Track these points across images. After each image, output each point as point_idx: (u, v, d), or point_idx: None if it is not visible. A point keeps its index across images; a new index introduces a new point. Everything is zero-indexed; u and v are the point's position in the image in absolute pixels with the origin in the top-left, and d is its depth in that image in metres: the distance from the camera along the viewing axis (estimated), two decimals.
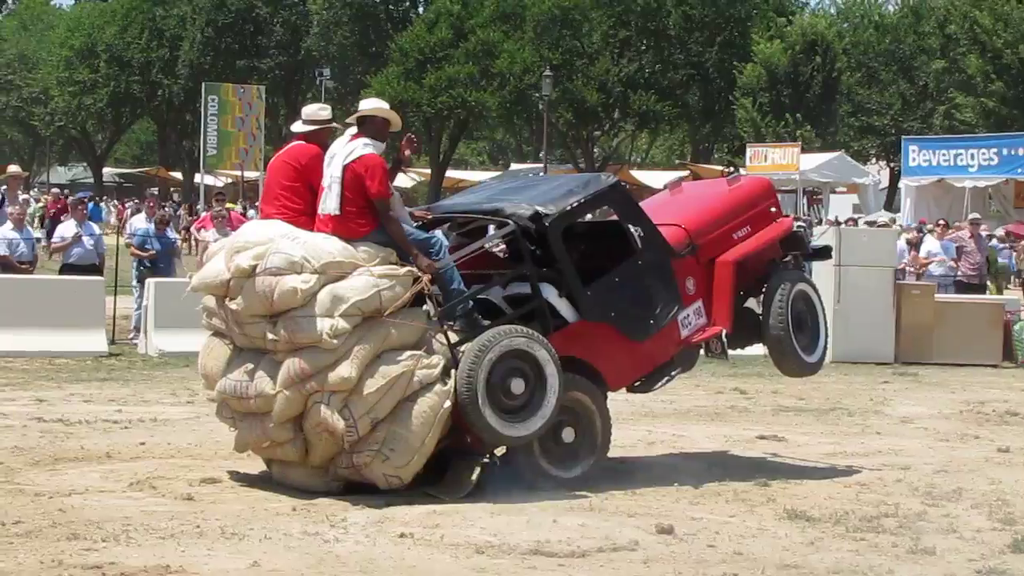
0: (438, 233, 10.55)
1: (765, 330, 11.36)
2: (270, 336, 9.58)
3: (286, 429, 9.63)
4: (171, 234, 21.47)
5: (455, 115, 62.34)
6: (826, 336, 11.79)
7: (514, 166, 69.60)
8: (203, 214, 27.72)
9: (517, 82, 59.59)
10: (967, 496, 10.33)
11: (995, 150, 38.00)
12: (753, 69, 55.11)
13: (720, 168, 57.38)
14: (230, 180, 59.80)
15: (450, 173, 68.16)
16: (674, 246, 10.95)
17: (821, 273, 18.27)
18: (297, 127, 10.67)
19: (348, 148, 10.03)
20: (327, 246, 9.73)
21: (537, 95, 57.72)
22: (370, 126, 10.21)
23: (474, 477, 9.78)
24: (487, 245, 10.77)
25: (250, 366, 9.77)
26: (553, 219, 10.19)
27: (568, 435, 10.18)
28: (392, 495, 9.51)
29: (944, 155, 39.22)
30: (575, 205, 10.45)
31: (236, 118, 52.38)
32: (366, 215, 9.90)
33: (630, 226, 10.74)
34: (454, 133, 66.86)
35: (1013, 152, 37.38)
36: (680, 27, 60.87)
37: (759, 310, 11.55)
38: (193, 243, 26.93)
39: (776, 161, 43.50)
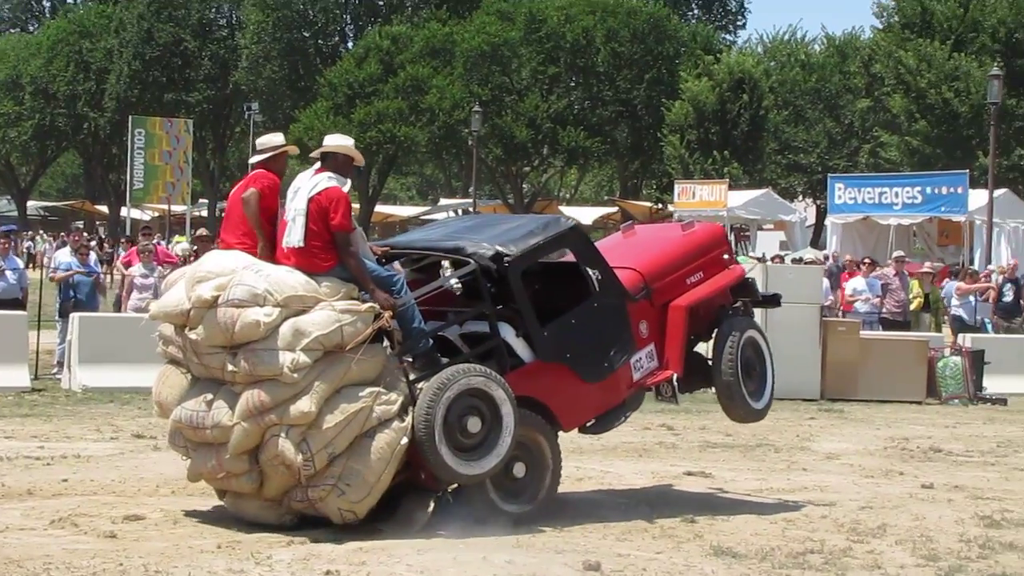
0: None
1: (715, 375, 11.50)
2: (230, 367, 9.52)
3: (242, 461, 9.57)
4: (94, 265, 21.22)
5: (384, 150, 62.22)
6: (773, 383, 11.93)
7: (443, 201, 69.69)
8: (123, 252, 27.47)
9: (446, 117, 59.67)
10: (891, 532, 10.40)
11: (919, 188, 38.34)
12: (681, 106, 55.41)
13: (648, 204, 57.77)
14: (156, 214, 59.41)
15: (379, 208, 68.13)
16: (629, 289, 11.02)
17: None
18: (254, 159, 10.61)
19: (312, 182, 10.02)
20: (290, 279, 9.70)
21: (466, 131, 57.85)
22: (333, 162, 10.18)
23: (428, 513, 9.78)
24: (447, 284, 10.77)
25: (208, 396, 9.71)
26: (513, 259, 10.24)
27: (519, 470, 10.21)
28: (316, 532, 9.44)
29: (869, 193, 39.52)
30: (535, 246, 10.51)
31: (163, 152, 52.14)
32: (330, 249, 9.88)
33: (587, 269, 10.77)
34: (383, 168, 66.79)
35: (936, 191, 37.73)
36: (609, 64, 61.16)
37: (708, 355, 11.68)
38: (116, 276, 26.63)
39: (704, 198, 43.76)
